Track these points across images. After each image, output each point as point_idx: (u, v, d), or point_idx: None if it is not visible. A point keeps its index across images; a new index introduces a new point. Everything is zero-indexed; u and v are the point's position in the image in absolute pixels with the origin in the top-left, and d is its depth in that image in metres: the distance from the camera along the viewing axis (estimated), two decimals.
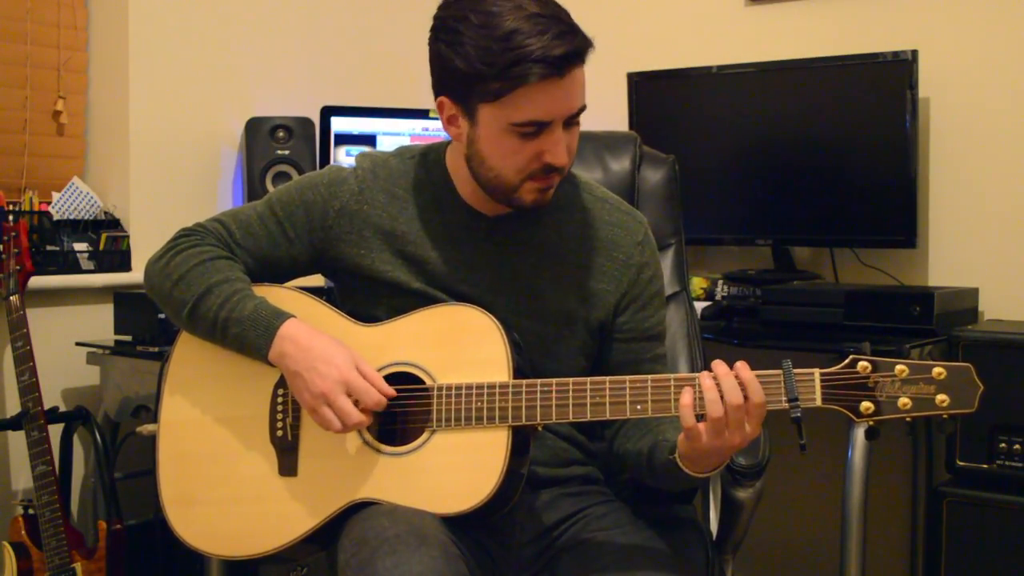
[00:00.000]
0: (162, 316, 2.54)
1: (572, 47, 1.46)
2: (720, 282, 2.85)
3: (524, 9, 1.46)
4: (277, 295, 1.63)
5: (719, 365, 1.41)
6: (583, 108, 1.54)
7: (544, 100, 1.48)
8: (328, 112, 3.11)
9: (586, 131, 2.10)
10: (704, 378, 1.40)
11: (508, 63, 1.45)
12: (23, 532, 2.49)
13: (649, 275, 1.68)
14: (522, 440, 1.50)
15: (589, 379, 1.47)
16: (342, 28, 3.43)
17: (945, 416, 1.36)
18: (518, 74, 1.45)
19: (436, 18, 1.54)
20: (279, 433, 1.59)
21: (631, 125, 2.98)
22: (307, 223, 1.66)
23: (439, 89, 1.56)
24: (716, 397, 1.38)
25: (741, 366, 1.40)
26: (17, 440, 2.60)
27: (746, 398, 1.38)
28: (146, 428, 1.70)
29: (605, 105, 3.05)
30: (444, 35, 1.51)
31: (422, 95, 1.57)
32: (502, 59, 1.45)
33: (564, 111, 1.50)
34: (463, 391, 1.50)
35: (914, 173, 2.63)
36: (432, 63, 1.56)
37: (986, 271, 2.68)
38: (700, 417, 1.40)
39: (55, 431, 2.59)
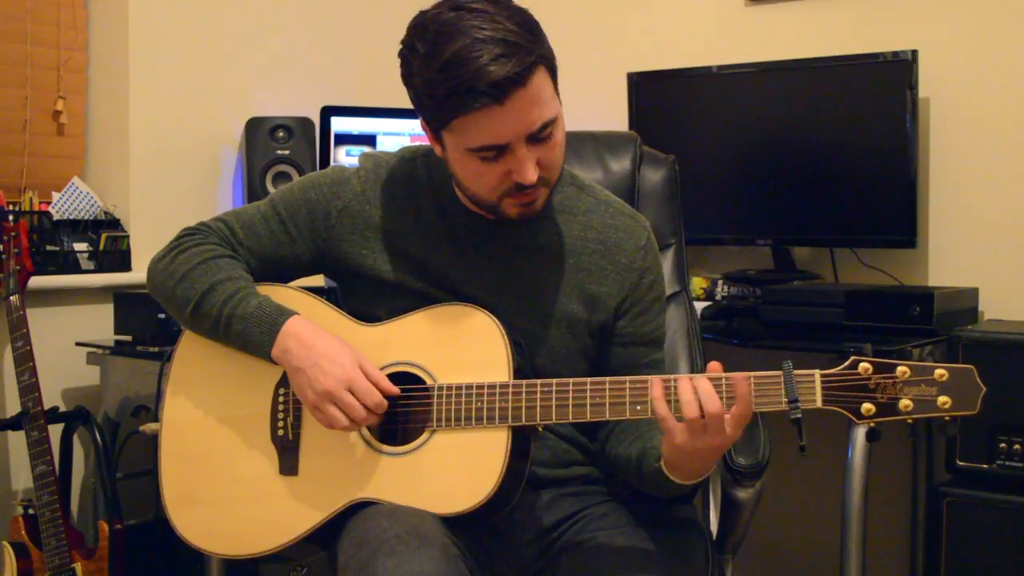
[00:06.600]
0: (162, 316, 2.53)
1: (508, 71, 1.39)
2: (720, 282, 2.85)
3: (465, 35, 1.41)
4: (280, 294, 1.63)
5: (707, 374, 1.40)
6: (550, 121, 1.47)
7: (491, 126, 1.44)
8: (328, 112, 3.11)
9: (586, 131, 2.11)
10: (682, 380, 1.39)
11: (445, 94, 1.42)
12: (23, 532, 2.49)
13: (651, 280, 1.68)
14: (522, 440, 1.50)
15: (589, 379, 1.47)
16: (342, 28, 3.43)
17: (947, 418, 1.36)
18: (455, 105, 1.42)
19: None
20: (280, 432, 1.59)
21: (631, 125, 2.97)
22: (309, 223, 1.66)
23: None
24: (691, 399, 1.37)
25: (739, 378, 1.38)
26: (17, 440, 2.59)
27: (732, 406, 1.37)
28: (150, 427, 1.71)
29: (605, 105, 3.05)
30: (401, 65, 1.51)
31: None
32: (440, 90, 1.42)
33: (517, 132, 1.45)
34: (463, 391, 1.50)
35: (914, 173, 2.63)
36: None
37: (986, 271, 2.68)
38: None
39: (55, 431, 2.58)
